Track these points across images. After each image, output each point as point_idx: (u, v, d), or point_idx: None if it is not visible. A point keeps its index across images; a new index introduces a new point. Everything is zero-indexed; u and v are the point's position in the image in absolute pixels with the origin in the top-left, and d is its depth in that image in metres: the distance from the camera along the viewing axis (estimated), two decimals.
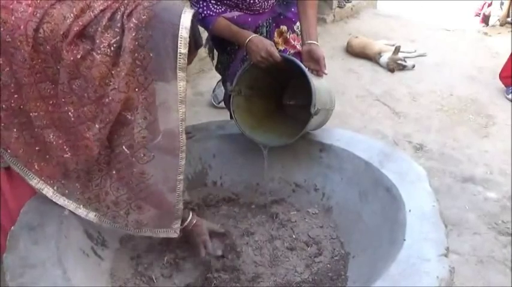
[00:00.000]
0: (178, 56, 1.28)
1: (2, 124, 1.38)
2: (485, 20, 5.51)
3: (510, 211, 2.49)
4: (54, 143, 1.39)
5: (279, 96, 2.05)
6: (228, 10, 1.94)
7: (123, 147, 1.36)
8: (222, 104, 3.16)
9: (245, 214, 1.88)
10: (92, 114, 1.31)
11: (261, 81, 1.92)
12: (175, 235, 1.52)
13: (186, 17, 1.28)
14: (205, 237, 1.63)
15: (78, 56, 1.26)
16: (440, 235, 1.34)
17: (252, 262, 1.65)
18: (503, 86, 3.81)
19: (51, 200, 1.48)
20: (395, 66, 4.17)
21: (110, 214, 1.47)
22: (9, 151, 1.41)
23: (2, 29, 1.27)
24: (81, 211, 1.47)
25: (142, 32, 1.26)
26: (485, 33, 5.27)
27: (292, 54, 2.17)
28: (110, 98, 1.28)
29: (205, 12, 1.92)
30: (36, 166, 1.43)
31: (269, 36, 2.09)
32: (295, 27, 2.15)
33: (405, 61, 4.21)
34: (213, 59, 2.38)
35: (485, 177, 2.78)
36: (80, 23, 1.27)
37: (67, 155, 1.39)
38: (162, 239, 1.75)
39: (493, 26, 5.42)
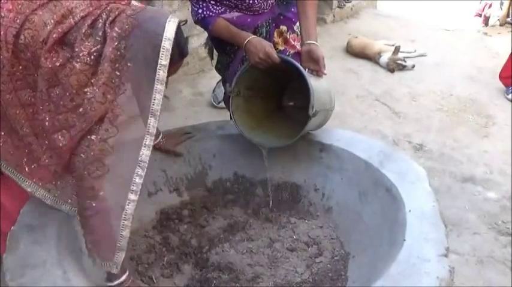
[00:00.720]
0: (158, 68, 1.24)
1: None
2: (486, 21, 5.51)
3: (510, 211, 2.48)
4: (36, 150, 1.36)
5: (278, 97, 2.05)
6: (228, 11, 1.94)
7: (81, 156, 1.27)
8: (222, 104, 3.16)
9: (245, 214, 1.88)
10: (68, 123, 1.26)
11: (260, 82, 1.92)
12: (114, 271, 1.37)
13: (170, 27, 1.24)
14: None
15: (57, 64, 1.23)
16: (440, 235, 1.34)
17: (252, 263, 1.65)
18: (503, 86, 3.81)
19: None
20: (395, 66, 4.17)
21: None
22: None
23: None
24: (72, 213, 1.45)
25: (125, 41, 1.22)
26: (485, 33, 5.27)
27: (292, 54, 2.17)
28: (87, 107, 1.24)
29: (204, 12, 1.91)
30: (26, 169, 1.40)
31: (269, 36, 2.09)
32: (295, 27, 2.15)
33: (405, 61, 4.20)
34: (212, 59, 2.38)
35: (485, 177, 2.78)
36: (60, 30, 1.23)
37: (47, 161, 1.37)
38: (162, 240, 1.76)
39: (493, 26, 5.42)
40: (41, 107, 1.28)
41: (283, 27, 2.15)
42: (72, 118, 1.26)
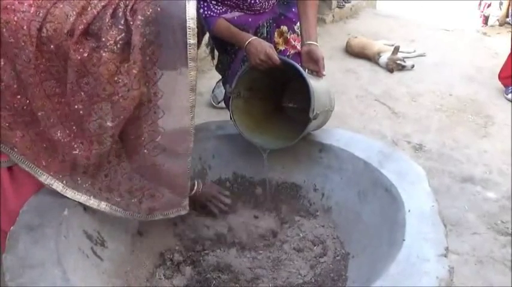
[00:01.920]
0: (188, 47, 1.30)
1: (7, 124, 1.39)
2: (486, 21, 5.51)
3: (509, 211, 2.49)
4: (62, 140, 1.40)
5: (279, 98, 2.05)
6: (229, 11, 1.95)
7: (137, 144, 1.39)
8: (222, 104, 3.16)
9: (245, 215, 1.88)
10: (103, 111, 1.32)
11: (260, 83, 1.92)
12: (185, 212, 1.58)
13: (191, 7, 1.29)
14: (213, 195, 1.78)
15: (85, 55, 1.27)
16: (440, 235, 1.34)
17: (252, 263, 1.65)
18: (502, 86, 3.81)
19: (51, 201, 1.49)
20: (395, 66, 4.17)
21: (123, 203, 1.50)
22: (15, 149, 1.41)
23: (4, 30, 1.27)
24: (93, 202, 1.49)
25: (150, 27, 1.27)
26: (485, 33, 5.28)
27: (292, 54, 2.17)
28: (120, 95, 1.29)
29: (206, 12, 1.92)
30: (43, 163, 1.44)
31: (269, 36, 2.10)
32: (295, 28, 2.15)
33: (404, 61, 4.20)
34: (213, 58, 2.38)
35: (485, 177, 2.78)
36: (84, 21, 1.27)
37: (75, 152, 1.40)
38: (163, 240, 1.76)
39: (492, 26, 5.43)
40: (73, 98, 1.33)
41: (284, 27, 2.15)
42: (107, 107, 1.31)
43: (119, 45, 1.28)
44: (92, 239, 1.53)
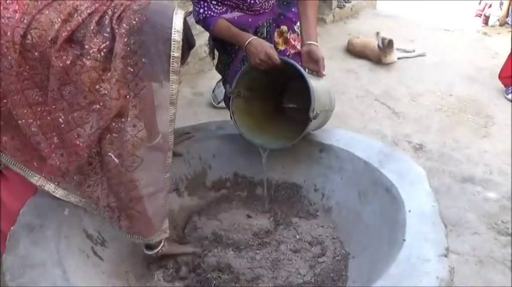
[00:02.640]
0: (171, 60, 1.27)
1: None
2: (486, 21, 5.51)
3: (509, 211, 2.49)
4: (44, 150, 1.37)
5: (278, 98, 2.05)
6: (229, 11, 1.95)
7: (112, 156, 1.33)
8: (222, 104, 3.16)
9: (245, 215, 1.88)
10: (82, 120, 1.29)
11: (260, 83, 1.92)
12: (166, 235, 1.54)
13: (178, 19, 1.26)
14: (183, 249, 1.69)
15: (68, 62, 1.24)
16: (440, 235, 1.34)
17: (252, 263, 1.65)
18: (502, 86, 3.81)
19: (51, 201, 1.49)
20: (387, 43, 4.18)
21: (107, 215, 1.47)
22: (5, 151, 1.40)
23: None
24: (83, 205, 1.48)
25: (134, 37, 1.24)
26: (485, 33, 5.27)
27: (292, 54, 2.17)
28: (101, 104, 1.26)
29: (206, 12, 1.92)
30: (35, 164, 1.43)
31: (269, 36, 2.10)
32: (295, 27, 2.15)
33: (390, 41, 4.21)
34: (213, 58, 2.38)
35: (485, 177, 2.78)
36: (68, 28, 1.25)
37: (56, 162, 1.38)
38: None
39: (493, 26, 5.42)
40: (54, 106, 1.30)
41: (284, 27, 2.15)
42: (87, 115, 1.29)
43: (102, 53, 1.25)
44: (92, 239, 1.53)
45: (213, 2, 1.91)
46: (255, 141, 1.83)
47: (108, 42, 1.25)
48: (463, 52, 4.69)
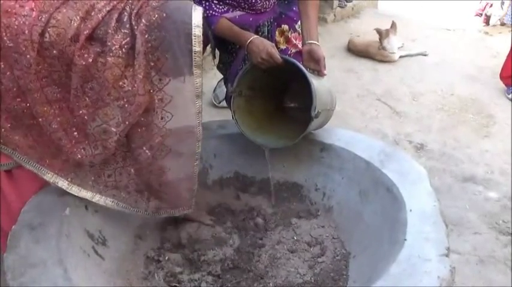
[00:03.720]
0: (193, 55, 1.29)
1: (8, 125, 1.37)
2: (487, 20, 5.50)
3: (510, 210, 2.48)
4: (66, 145, 1.39)
5: (279, 97, 2.05)
6: (230, 10, 1.95)
7: (144, 149, 1.39)
8: (223, 104, 3.16)
9: (246, 214, 1.88)
10: (108, 116, 1.31)
11: (261, 82, 1.92)
12: (190, 211, 1.62)
13: (197, 15, 1.29)
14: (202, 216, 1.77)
15: (90, 60, 1.26)
16: (441, 235, 1.34)
17: (252, 262, 1.65)
18: (503, 85, 3.81)
19: (52, 200, 1.49)
20: (385, 33, 4.24)
21: (131, 199, 1.51)
22: (18, 149, 1.41)
23: (4, 34, 1.25)
24: (98, 199, 1.50)
25: (155, 33, 1.26)
26: (486, 33, 5.27)
27: (293, 53, 2.17)
28: (125, 100, 1.28)
29: (207, 12, 1.92)
30: (47, 161, 1.44)
31: (270, 35, 2.10)
32: (296, 26, 2.15)
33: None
34: (214, 57, 2.37)
35: (486, 177, 2.78)
36: (89, 26, 1.26)
37: (78, 157, 1.40)
38: (163, 240, 1.76)
39: (494, 25, 5.42)
40: (77, 104, 1.32)
41: (285, 26, 2.15)
42: (112, 112, 1.31)
43: (124, 50, 1.26)
44: (93, 238, 1.53)
45: (214, 1, 1.91)
46: (257, 140, 1.83)
47: (128, 39, 1.27)
48: (465, 52, 4.69)
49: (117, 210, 1.53)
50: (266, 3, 2.00)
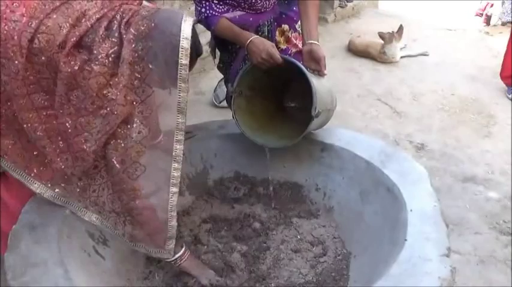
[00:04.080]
0: (179, 67, 1.25)
1: None
2: (488, 20, 5.49)
3: (511, 210, 2.48)
4: (49, 154, 1.36)
5: (280, 97, 2.05)
6: (231, 10, 1.95)
7: (115, 162, 1.32)
8: (224, 104, 3.16)
9: (246, 214, 1.88)
10: (90, 125, 1.28)
11: (262, 82, 1.92)
12: (169, 256, 1.50)
13: (187, 27, 1.25)
14: (202, 270, 1.60)
15: (76, 68, 1.23)
16: (442, 235, 1.34)
17: (254, 263, 1.65)
18: (504, 85, 3.81)
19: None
20: (388, 37, 4.24)
21: (112, 220, 1.46)
22: (6, 156, 1.38)
23: None
24: (82, 213, 1.46)
25: (142, 43, 1.23)
26: (487, 33, 5.26)
27: (294, 53, 2.17)
28: (108, 109, 1.25)
29: (207, 12, 1.92)
30: (35, 170, 1.41)
31: (271, 35, 2.10)
32: (296, 26, 2.15)
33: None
34: (215, 57, 2.38)
35: (487, 177, 2.78)
36: (77, 33, 1.23)
37: (61, 166, 1.37)
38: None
39: (495, 25, 5.41)
40: (61, 111, 1.29)
41: (285, 26, 2.15)
42: (94, 120, 1.27)
43: (110, 59, 1.23)
44: (93, 238, 1.53)
45: (214, 1, 1.91)
46: (257, 140, 1.83)
47: (116, 48, 1.24)
48: (465, 51, 4.69)
49: (101, 228, 1.49)
50: (266, 3, 2.00)
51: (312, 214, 1.84)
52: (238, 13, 1.96)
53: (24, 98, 1.29)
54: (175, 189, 1.39)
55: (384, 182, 1.62)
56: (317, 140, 1.88)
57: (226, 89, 2.57)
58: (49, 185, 1.42)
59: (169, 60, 1.24)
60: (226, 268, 1.63)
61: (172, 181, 1.38)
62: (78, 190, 1.43)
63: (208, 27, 1.99)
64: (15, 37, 1.22)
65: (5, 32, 1.22)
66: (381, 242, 1.50)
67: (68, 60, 1.23)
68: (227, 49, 2.18)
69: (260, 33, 2.04)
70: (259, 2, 1.97)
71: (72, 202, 1.45)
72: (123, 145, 1.30)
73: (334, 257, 1.65)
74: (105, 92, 1.24)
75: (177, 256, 1.52)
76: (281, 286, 1.57)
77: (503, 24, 5.37)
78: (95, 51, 1.23)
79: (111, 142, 1.31)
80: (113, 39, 1.24)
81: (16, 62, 1.23)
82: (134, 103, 1.27)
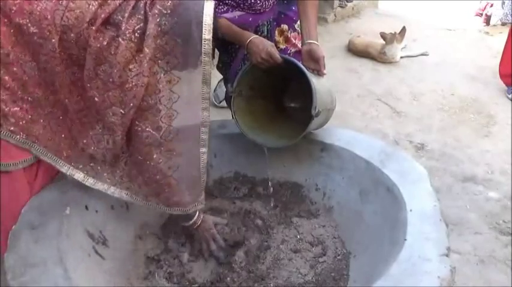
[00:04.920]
0: (203, 42, 1.31)
1: (29, 116, 1.40)
2: (488, 20, 5.49)
3: (511, 210, 2.48)
4: (80, 134, 1.43)
5: (280, 97, 2.05)
6: (230, 10, 1.95)
7: (151, 130, 1.39)
8: (223, 103, 3.16)
9: (246, 214, 1.88)
10: (117, 99, 1.33)
11: (261, 82, 1.92)
12: (202, 206, 1.61)
13: (209, 5, 1.32)
14: (213, 231, 1.70)
15: (104, 43, 1.28)
16: (441, 235, 1.34)
17: (253, 263, 1.65)
18: (504, 85, 3.81)
19: (53, 199, 1.49)
20: (389, 37, 4.23)
21: (142, 193, 1.52)
22: (37, 142, 1.43)
23: (27, 20, 1.28)
24: (113, 191, 1.52)
25: (166, 18, 1.29)
26: (487, 33, 5.26)
27: (293, 52, 2.17)
28: (133, 83, 1.30)
29: None
30: (64, 153, 1.47)
31: (270, 35, 2.10)
32: (296, 26, 2.15)
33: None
34: (213, 57, 2.37)
35: (486, 177, 2.78)
36: (107, 10, 1.29)
37: (92, 148, 1.43)
38: (164, 239, 1.76)
39: (495, 25, 5.41)
40: (89, 85, 1.33)
41: (284, 26, 2.15)
42: (120, 94, 1.33)
43: (136, 35, 1.29)
44: (93, 238, 1.53)
45: (214, 1, 1.91)
46: (257, 140, 1.83)
47: (142, 24, 1.29)
48: (465, 51, 4.69)
49: (133, 203, 1.55)
50: (266, 3, 2.00)
51: (311, 214, 1.84)
52: (237, 13, 1.96)
53: (63, 73, 1.35)
54: (204, 149, 1.48)
55: (383, 182, 1.62)
56: (317, 140, 1.88)
57: (225, 89, 2.56)
58: (78, 166, 1.49)
59: (194, 35, 1.30)
60: (224, 267, 1.63)
61: (201, 142, 1.46)
62: (107, 167, 1.49)
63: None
64: (49, 16, 1.27)
65: (38, 12, 1.28)
66: (380, 242, 1.50)
67: (97, 36, 1.28)
68: (226, 49, 2.18)
69: (259, 33, 2.04)
70: (258, 2, 1.97)
71: (100, 181, 1.50)
72: (153, 113, 1.36)
73: (334, 257, 1.65)
74: (131, 66, 1.30)
75: (193, 220, 1.63)
76: (280, 286, 1.57)
77: (503, 24, 5.37)
78: (123, 27, 1.28)
79: (142, 113, 1.37)
80: (139, 16, 1.30)
81: (53, 40, 1.28)
82: (159, 74, 1.32)
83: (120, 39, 1.28)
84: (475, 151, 3.05)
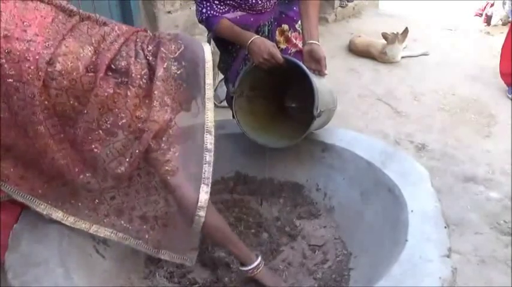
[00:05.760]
0: (206, 87, 1.31)
1: None
2: (488, 20, 5.49)
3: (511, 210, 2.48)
4: (67, 172, 1.32)
5: (281, 97, 2.05)
6: (231, 10, 1.95)
7: (145, 177, 1.38)
8: (224, 103, 3.15)
9: (247, 214, 1.88)
10: (125, 148, 1.27)
11: (263, 83, 1.92)
12: (190, 264, 1.55)
13: (207, 50, 1.32)
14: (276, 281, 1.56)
15: (111, 91, 1.22)
16: (443, 235, 1.34)
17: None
18: (505, 85, 3.81)
19: None
20: (391, 38, 4.23)
21: (133, 229, 1.46)
22: (8, 181, 1.33)
23: (4, 60, 1.15)
24: (96, 229, 1.44)
25: (172, 62, 1.26)
26: (488, 33, 5.26)
27: (294, 52, 2.17)
28: (143, 129, 1.25)
29: (208, 12, 1.92)
30: (40, 191, 1.37)
31: (271, 35, 2.09)
32: (296, 26, 2.15)
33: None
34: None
35: (487, 177, 2.78)
36: (108, 56, 1.22)
37: (84, 180, 1.35)
38: None
39: (495, 25, 5.41)
40: (90, 137, 1.25)
41: (285, 26, 2.15)
42: (127, 143, 1.27)
43: (144, 80, 1.25)
44: (94, 237, 1.53)
45: (215, 1, 1.91)
46: (258, 140, 1.83)
47: (146, 70, 1.26)
48: (466, 51, 4.69)
49: (117, 241, 1.48)
50: (267, 4, 2.00)
51: (312, 214, 1.84)
52: (238, 13, 1.96)
53: (41, 124, 1.22)
54: (202, 213, 1.37)
55: (384, 182, 1.61)
56: (318, 140, 1.88)
57: (226, 89, 2.56)
58: (56, 204, 1.38)
59: (200, 80, 1.30)
60: (222, 266, 1.63)
61: (200, 203, 1.36)
62: (89, 203, 1.41)
63: (209, 28, 1.99)
64: (31, 58, 1.15)
65: (18, 53, 1.15)
66: (381, 243, 1.49)
67: (101, 84, 1.21)
68: (227, 49, 2.17)
69: (260, 34, 2.04)
70: (260, 2, 1.97)
71: (82, 219, 1.42)
72: (156, 157, 1.31)
73: (335, 258, 1.65)
74: (137, 113, 1.25)
75: (253, 265, 1.48)
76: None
77: (504, 24, 5.37)
78: (132, 74, 1.23)
79: (146, 157, 1.32)
80: (142, 61, 1.26)
81: (32, 86, 1.16)
82: (166, 120, 1.28)
83: (130, 86, 1.23)
84: (476, 151, 3.05)
